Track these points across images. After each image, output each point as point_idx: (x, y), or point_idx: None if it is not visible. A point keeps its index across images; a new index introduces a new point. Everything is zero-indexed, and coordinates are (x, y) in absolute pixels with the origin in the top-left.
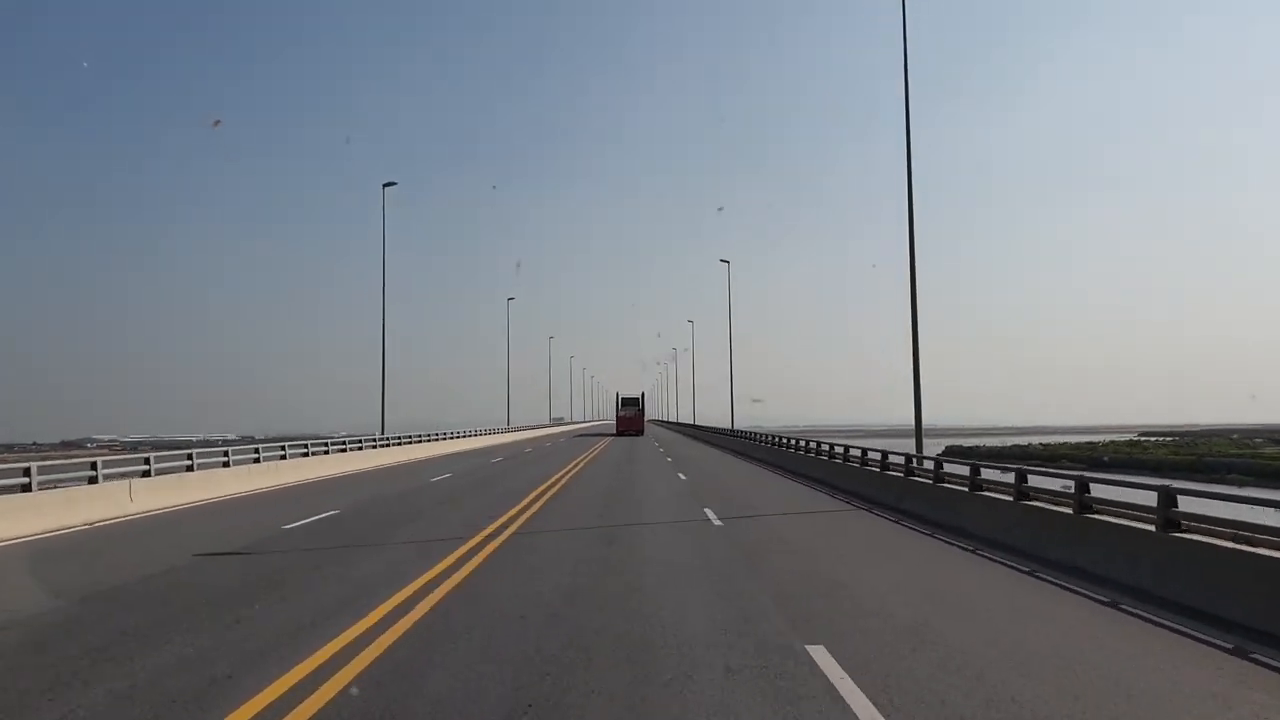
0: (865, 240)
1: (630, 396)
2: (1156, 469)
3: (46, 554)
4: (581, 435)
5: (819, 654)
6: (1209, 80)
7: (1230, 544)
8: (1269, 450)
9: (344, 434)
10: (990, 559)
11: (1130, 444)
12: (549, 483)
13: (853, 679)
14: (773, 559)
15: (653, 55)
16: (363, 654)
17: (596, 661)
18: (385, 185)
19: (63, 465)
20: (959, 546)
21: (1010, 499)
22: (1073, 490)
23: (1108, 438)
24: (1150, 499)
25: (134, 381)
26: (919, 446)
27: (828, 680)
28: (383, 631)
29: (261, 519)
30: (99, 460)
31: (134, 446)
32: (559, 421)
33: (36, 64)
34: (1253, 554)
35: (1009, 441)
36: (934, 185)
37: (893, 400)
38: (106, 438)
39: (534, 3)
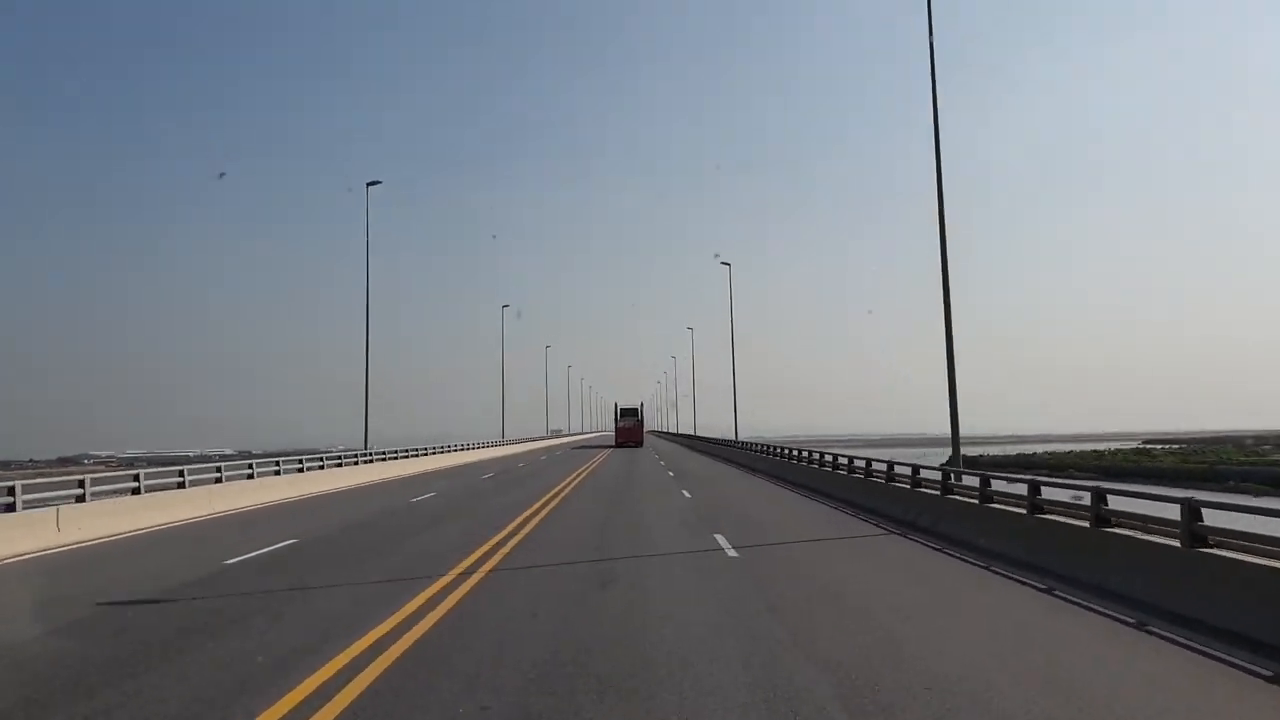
0: (866, 240)
1: (629, 407)
2: (1172, 479)
3: None
4: (579, 448)
5: None
6: (1211, 79)
7: (1261, 560)
8: None
9: (340, 447)
10: (1081, 605)
11: (1137, 452)
12: (542, 502)
13: None
14: (812, 613)
15: (652, 57)
16: None
17: None
18: (369, 184)
19: None
20: (1032, 586)
21: (1083, 524)
22: (1179, 517)
23: (1111, 445)
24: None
25: (133, 396)
26: (956, 459)
27: None
28: None
29: (205, 551)
30: (18, 484)
31: (130, 462)
32: (557, 433)
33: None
34: None
35: (1012, 450)
36: (932, 186)
37: (893, 406)
38: (104, 454)
39: (530, 6)
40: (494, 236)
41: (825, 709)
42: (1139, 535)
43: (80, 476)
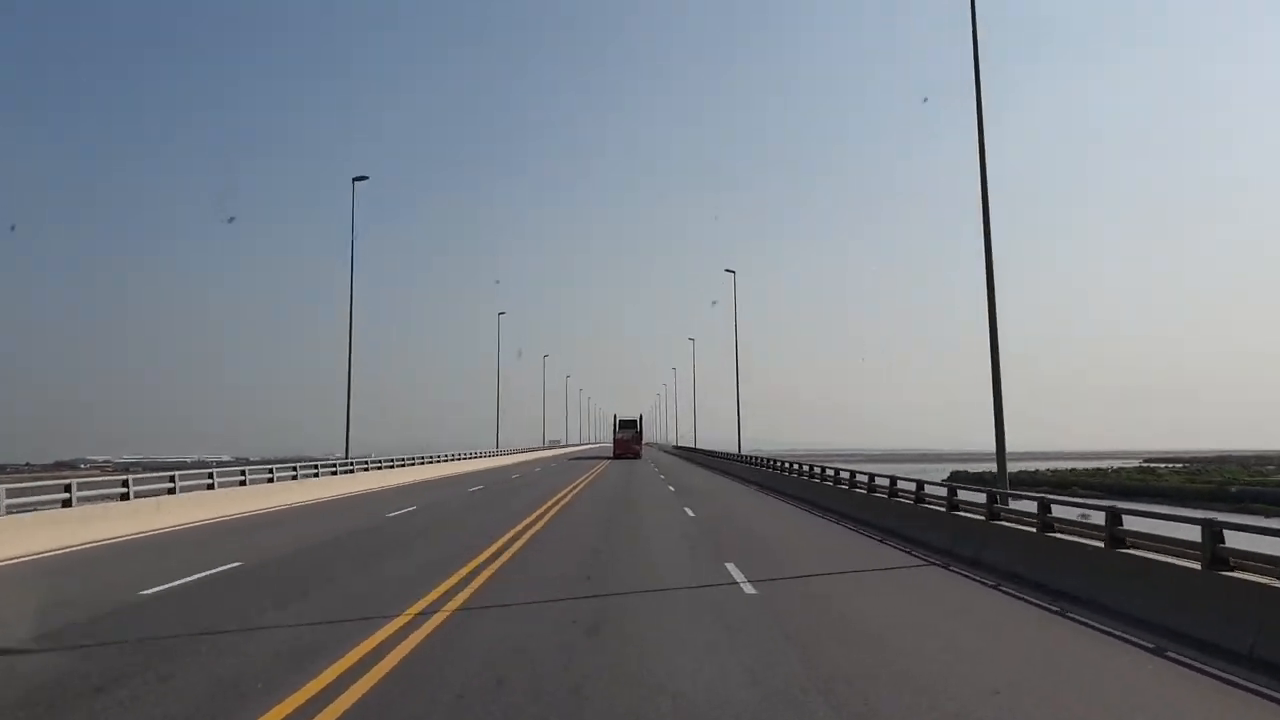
0: (867, 244)
1: (628, 419)
2: (1179, 498)
3: None
4: (576, 459)
5: None
6: (1203, 96)
7: None
8: None
9: (337, 455)
10: (1186, 665)
11: (1141, 470)
12: (531, 519)
13: None
14: (872, 691)
15: (654, 57)
16: None
17: None
18: (356, 179)
19: None
20: (1133, 642)
21: (1194, 565)
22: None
23: (1111, 464)
24: None
25: (134, 400)
26: (1002, 480)
27: None
28: None
29: (124, 577)
30: None
31: (125, 468)
32: (555, 444)
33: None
34: None
35: (1015, 467)
36: (928, 199)
37: (886, 421)
38: (101, 458)
39: (529, 11)
40: (497, 281)
41: None
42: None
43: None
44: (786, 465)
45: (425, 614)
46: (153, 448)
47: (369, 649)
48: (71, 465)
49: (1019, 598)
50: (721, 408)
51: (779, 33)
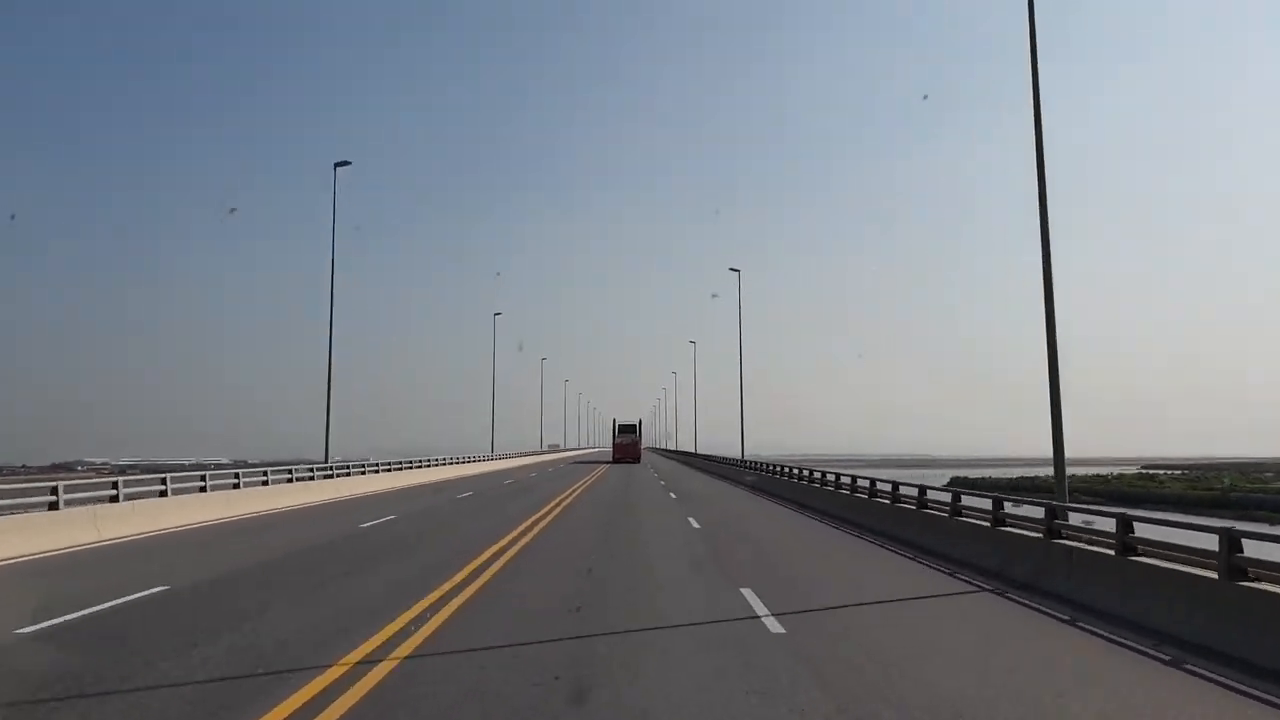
0: (868, 253)
1: (628, 423)
2: (1182, 505)
3: None
4: (574, 463)
5: None
6: (1205, 112)
7: None
8: None
9: (338, 458)
10: None
11: (1141, 477)
12: (517, 531)
13: None
14: None
15: (654, 59)
16: None
17: None
18: (337, 165)
19: None
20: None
21: None
22: None
23: (1111, 470)
24: None
25: (134, 401)
26: (1061, 493)
27: None
28: None
29: (26, 603)
30: None
31: (122, 470)
32: (554, 448)
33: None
34: None
35: (1014, 473)
36: (920, 204)
37: (889, 426)
38: (99, 460)
39: (530, 18)
40: (498, 274)
41: None
42: None
43: None
44: (792, 471)
45: (368, 662)
46: (152, 449)
47: (289, 712)
48: (69, 467)
49: (1105, 637)
50: (722, 412)
51: (779, 33)
